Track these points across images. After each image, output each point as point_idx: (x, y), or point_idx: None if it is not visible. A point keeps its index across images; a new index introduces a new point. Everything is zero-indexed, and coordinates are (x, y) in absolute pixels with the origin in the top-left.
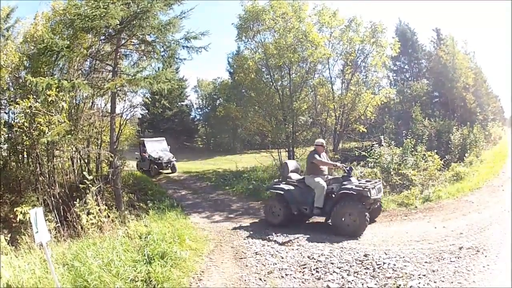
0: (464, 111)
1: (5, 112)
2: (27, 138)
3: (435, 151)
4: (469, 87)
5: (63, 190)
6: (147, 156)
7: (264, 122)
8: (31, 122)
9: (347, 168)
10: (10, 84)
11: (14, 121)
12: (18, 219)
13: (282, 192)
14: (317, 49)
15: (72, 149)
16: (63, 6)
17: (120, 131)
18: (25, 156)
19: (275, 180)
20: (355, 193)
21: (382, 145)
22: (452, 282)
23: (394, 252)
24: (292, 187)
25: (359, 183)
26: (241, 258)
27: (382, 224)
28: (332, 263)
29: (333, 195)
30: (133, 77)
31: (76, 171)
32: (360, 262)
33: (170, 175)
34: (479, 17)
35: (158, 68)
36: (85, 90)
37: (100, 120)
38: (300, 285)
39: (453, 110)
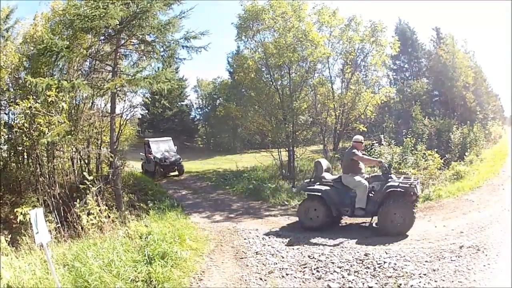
0: (464, 110)
1: (5, 113)
2: (27, 139)
3: (435, 150)
4: (469, 86)
5: (63, 191)
6: (152, 158)
7: (264, 122)
8: (31, 122)
9: (387, 165)
10: (10, 85)
11: (14, 122)
12: (18, 220)
13: (320, 194)
14: (317, 49)
15: (72, 149)
16: (62, 6)
17: (120, 131)
18: (25, 156)
19: (306, 181)
20: (403, 190)
21: (382, 144)
22: (452, 281)
23: (395, 251)
24: (328, 188)
25: (403, 180)
26: (242, 258)
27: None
28: (332, 263)
29: (372, 194)
30: (133, 77)
31: (76, 171)
32: (361, 262)
33: (170, 174)
34: (478, 16)
35: (158, 68)
36: (85, 90)
37: (100, 120)
38: (300, 284)
39: (453, 109)
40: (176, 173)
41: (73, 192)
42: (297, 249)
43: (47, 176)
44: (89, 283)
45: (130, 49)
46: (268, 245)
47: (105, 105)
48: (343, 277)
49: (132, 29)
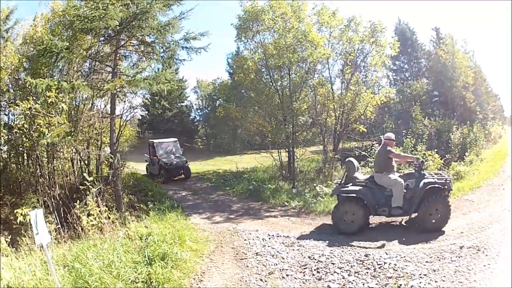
0: (464, 110)
1: (4, 114)
2: (27, 140)
3: (435, 150)
4: (468, 86)
5: (63, 192)
6: (156, 160)
7: (264, 123)
8: (31, 123)
9: (420, 161)
10: (10, 85)
11: (14, 123)
12: (18, 221)
13: (359, 196)
14: (317, 49)
15: (72, 150)
16: (62, 7)
17: (120, 132)
18: (25, 157)
19: (337, 182)
20: (441, 186)
21: None
22: (453, 282)
23: (395, 251)
24: (364, 188)
25: (438, 177)
26: (242, 259)
27: (384, 224)
28: (333, 263)
29: (404, 191)
30: (133, 78)
31: (76, 172)
32: (361, 262)
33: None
34: (478, 16)
35: (158, 69)
36: (84, 91)
37: (100, 121)
38: (301, 285)
39: (453, 109)
40: (183, 176)
41: (73, 193)
42: (297, 250)
43: (47, 177)
44: (89, 284)
45: (130, 50)
46: (268, 246)
47: (105, 106)
48: (343, 277)
49: (132, 30)
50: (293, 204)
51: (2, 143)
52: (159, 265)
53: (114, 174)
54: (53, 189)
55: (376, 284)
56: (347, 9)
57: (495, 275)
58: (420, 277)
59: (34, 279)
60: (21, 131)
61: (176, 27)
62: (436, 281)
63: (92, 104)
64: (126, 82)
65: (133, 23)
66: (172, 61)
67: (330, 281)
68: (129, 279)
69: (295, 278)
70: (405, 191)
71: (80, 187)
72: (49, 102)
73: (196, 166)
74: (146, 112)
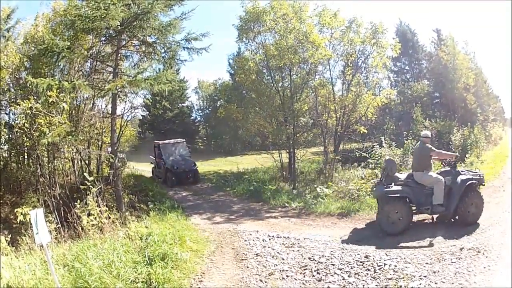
0: (464, 111)
1: (5, 113)
2: (27, 139)
3: None
4: (469, 87)
5: (63, 191)
6: (162, 163)
7: (265, 123)
8: (31, 123)
9: (457, 158)
10: (11, 85)
11: (14, 122)
12: (18, 220)
13: (404, 195)
14: (318, 50)
15: (72, 150)
16: (63, 7)
17: (121, 133)
18: (26, 157)
19: (376, 182)
20: (479, 182)
21: (383, 146)
22: (453, 283)
23: (395, 253)
24: (407, 188)
25: (472, 173)
26: (242, 260)
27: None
28: (333, 265)
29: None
30: (134, 78)
31: (76, 172)
32: (361, 264)
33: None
34: (479, 17)
35: (159, 69)
36: (85, 91)
37: (100, 121)
38: (301, 286)
39: (453, 110)
40: (191, 180)
41: (73, 193)
42: (298, 251)
43: (48, 177)
44: (89, 284)
45: (131, 50)
46: (269, 247)
47: (106, 106)
48: (343, 279)
49: (133, 30)
50: (293, 205)
51: (3, 142)
52: (159, 265)
53: (114, 174)
54: (53, 188)
55: (376, 285)
56: (348, 10)
57: (495, 277)
58: (420, 279)
59: (34, 278)
60: (21, 131)
61: (178, 27)
62: (436, 283)
63: (93, 104)
64: (127, 82)
65: (135, 23)
66: (173, 62)
67: (330, 282)
68: (129, 279)
69: (295, 279)
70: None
71: (81, 186)
72: (50, 102)
73: None
74: (147, 112)
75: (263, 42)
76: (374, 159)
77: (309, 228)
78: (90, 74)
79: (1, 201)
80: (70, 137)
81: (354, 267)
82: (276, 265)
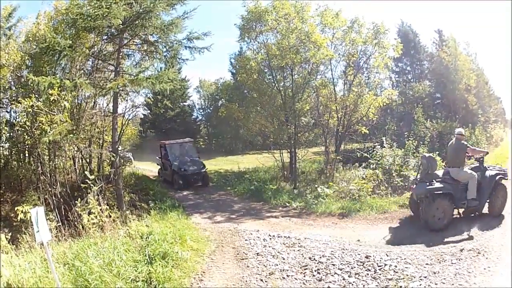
0: (466, 112)
1: (7, 111)
2: (28, 137)
3: (437, 152)
4: (471, 88)
5: (64, 190)
6: (169, 164)
7: (266, 123)
8: (33, 121)
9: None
10: (12, 83)
11: (16, 120)
12: (19, 218)
13: (449, 192)
14: (320, 50)
15: (73, 148)
16: (65, 5)
17: (122, 131)
18: (27, 155)
19: (415, 179)
20: (505, 177)
21: (384, 147)
22: (453, 284)
23: (396, 253)
24: (448, 184)
25: (498, 168)
26: (243, 259)
27: (384, 225)
28: (333, 265)
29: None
30: (136, 77)
31: (77, 170)
32: (362, 264)
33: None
34: (481, 18)
35: (161, 68)
36: (87, 89)
37: (102, 120)
38: (301, 286)
39: (455, 111)
40: (200, 184)
41: (74, 191)
42: (298, 250)
43: (48, 175)
44: (89, 282)
45: (133, 49)
46: (269, 246)
47: (107, 104)
48: (343, 279)
49: (135, 29)
50: (294, 205)
51: (4, 140)
52: (159, 264)
53: (115, 173)
54: (54, 187)
55: (376, 285)
56: (350, 11)
57: (495, 278)
58: (420, 279)
59: (34, 276)
60: (23, 129)
61: (180, 26)
62: (436, 284)
63: (94, 103)
64: (129, 81)
65: (137, 22)
66: (175, 61)
67: (330, 282)
68: (130, 278)
69: (296, 278)
70: None
71: (82, 185)
72: (51, 100)
73: None
74: (148, 111)
75: (265, 41)
76: (375, 160)
77: (309, 228)
78: (92, 72)
79: (2, 199)
80: (71, 135)
81: (355, 267)
82: (277, 265)
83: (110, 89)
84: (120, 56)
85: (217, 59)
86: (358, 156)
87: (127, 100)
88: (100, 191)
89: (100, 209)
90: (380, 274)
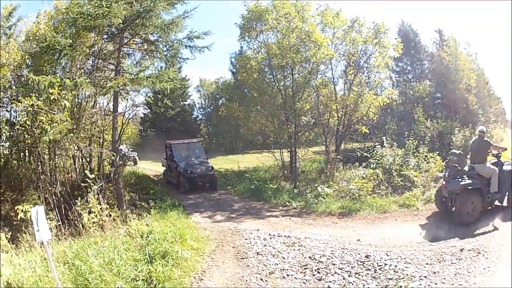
0: (466, 112)
1: (7, 110)
2: (29, 136)
3: (437, 152)
4: (471, 88)
5: (64, 189)
6: (174, 166)
7: (267, 122)
8: (33, 120)
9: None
10: (12, 82)
11: (16, 119)
12: (19, 217)
13: (480, 186)
14: (320, 50)
15: (74, 147)
16: (65, 4)
17: (122, 130)
18: (27, 154)
19: (444, 177)
20: None
21: (384, 146)
22: (453, 284)
23: (396, 253)
24: (477, 180)
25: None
26: (243, 258)
27: (384, 225)
28: (333, 264)
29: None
30: (136, 76)
31: (77, 169)
32: (362, 263)
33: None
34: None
35: (161, 67)
36: (87, 88)
37: (102, 119)
38: (301, 285)
39: (455, 111)
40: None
41: (74, 190)
42: (298, 250)
43: (49, 174)
44: (89, 282)
45: (133, 48)
46: (269, 246)
47: (108, 103)
48: (343, 278)
49: (136, 28)
50: (294, 204)
51: (4, 139)
52: (159, 263)
53: (115, 172)
54: (54, 186)
55: (376, 285)
56: (350, 10)
57: (495, 278)
58: (420, 279)
59: (34, 275)
60: (23, 128)
61: (180, 25)
62: (436, 283)
63: (94, 102)
64: (129, 80)
65: (137, 21)
66: (175, 60)
67: (330, 281)
68: (130, 277)
69: (296, 278)
70: None
71: (82, 184)
72: (51, 99)
73: None
74: (149, 110)
75: (265, 41)
76: (375, 159)
77: (310, 227)
78: (92, 72)
79: (2, 198)
80: (71, 134)
81: (355, 266)
82: (277, 264)
83: (110, 88)
84: (121, 55)
85: (217, 58)
86: (358, 155)
87: (127, 99)
88: (100, 190)
89: (100, 208)
90: (380, 274)
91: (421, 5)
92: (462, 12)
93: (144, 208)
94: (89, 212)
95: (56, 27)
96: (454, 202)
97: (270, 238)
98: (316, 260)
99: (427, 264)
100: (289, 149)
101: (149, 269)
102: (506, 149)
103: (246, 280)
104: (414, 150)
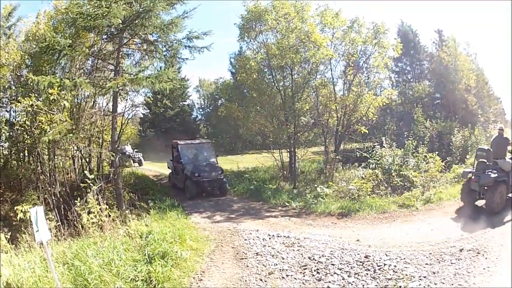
0: (465, 112)
1: (6, 111)
2: (28, 137)
3: (437, 152)
4: (470, 88)
5: (64, 189)
6: (181, 168)
7: (266, 123)
8: (32, 120)
9: None
10: (12, 82)
11: (15, 120)
12: (18, 218)
13: (505, 179)
14: (320, 50)
15: (73, 148)
16: (65, 5)
17: (121, 131)
18: (26, 154)
19: (473, 171)
20: None
21: (384, 147)
22: (452, 284)
23: (395, 253)
24: (501, 173)
25: None
26: (242, 259)
27: (383, 225)
28: (333, 264)
29: None
30: (135, 77)
31: (77, 170)
32: (361, 264)
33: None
34: (481, 18)
35: (160, 67)
36: (87, 89)
37: (101, 119)
38: (300, 286)
39: (454, 111)
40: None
41: (73, 191)
42: (298, 250)
43: (48, 174)
44: (88, 282)
45: (133, 49)
46: (269, 246)
47: (107, 104)
48: (343, 278)
49: (135, 29)
50: (293, 205)
51: (4, 139)
52: (159, 263)
53: (115, 172)
54: (53, 186)
55: (376, 285)
56: (350, 10)
57: (494, 278)
58: (420, 279)
59: (33, 276)
60: (22, 128)
61: (179, 26)
62: (435, 284)
63: (94, 102)
64: (129, 80)
65: (136, 21)
66: (174, 60)
67: (330, 282)
68: (129, 277)
69: (295, 278)
70: None
71: (81, 184)
72: (51, 100)
73: None
74: (148, 110)
75: (265, 41)
76: (374, 160)
77: (309, 228)
78: (92, 72)
79: (1, 199)
80: (70, 135)
81: (354, 267)
82: (276, 264)
83: (109, 88)
84: (120, 56)
85: (216, 58)
86: (358, 156)
87: (126, 100)
88: (99, 190)
89: (100, 209)
90: (379, 274)
91: (421, 5)
92: (462, 12)
93: (143, 208)
94: (89, 213)
95: (55, 27)
96: (484, 195)
97: (270, 238)
98: (315, 260)
99: (426, 264)
100: (288, 150)
101: (149, 269)
102: None
103: (246, 281)
104: (414, 150)
